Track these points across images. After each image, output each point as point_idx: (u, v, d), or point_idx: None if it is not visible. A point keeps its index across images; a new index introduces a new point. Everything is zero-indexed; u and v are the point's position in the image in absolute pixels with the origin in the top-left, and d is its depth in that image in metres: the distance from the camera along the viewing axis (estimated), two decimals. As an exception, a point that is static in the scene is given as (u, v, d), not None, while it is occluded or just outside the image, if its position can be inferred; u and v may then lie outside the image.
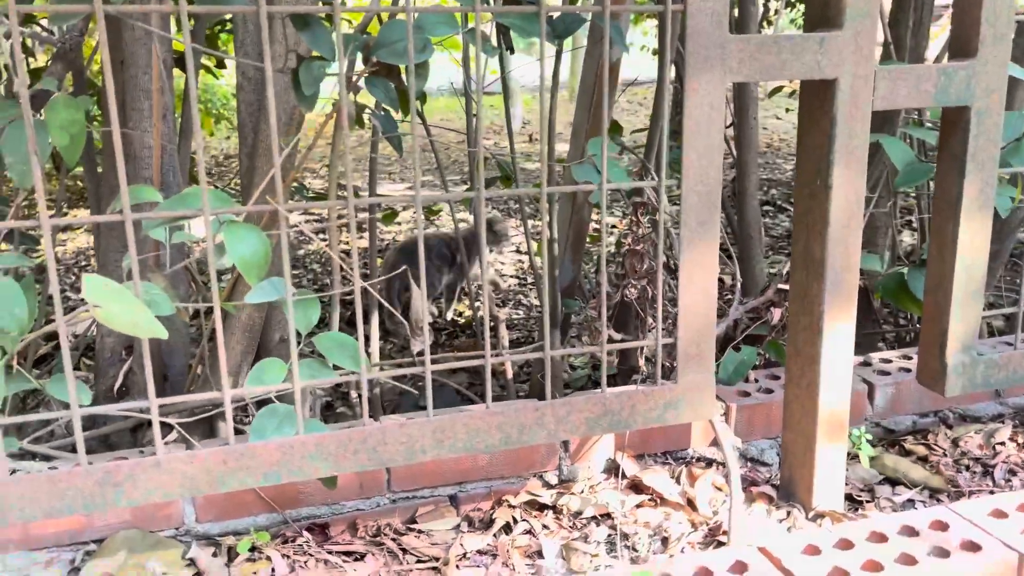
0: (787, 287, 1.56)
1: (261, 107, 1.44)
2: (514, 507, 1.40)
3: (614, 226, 4.32)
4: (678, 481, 1.44)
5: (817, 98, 1.19)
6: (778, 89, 3.32)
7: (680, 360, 1.19)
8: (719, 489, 1.42)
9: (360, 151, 5.85)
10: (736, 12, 2.06)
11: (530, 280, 3.38)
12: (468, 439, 1.14)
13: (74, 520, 1.26)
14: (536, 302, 3.13)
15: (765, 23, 4.07)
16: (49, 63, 1.25)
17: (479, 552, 1.30)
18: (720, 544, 1.28)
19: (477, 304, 2.67)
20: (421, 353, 1.19)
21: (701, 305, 1.18)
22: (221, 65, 2.79)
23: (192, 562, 1.25)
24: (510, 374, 2.03)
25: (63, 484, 1.01)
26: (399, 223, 4.23)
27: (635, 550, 1.30)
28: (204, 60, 2.55)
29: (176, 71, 1.93)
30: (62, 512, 1.01)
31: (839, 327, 1.25)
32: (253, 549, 1.28)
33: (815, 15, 1.18)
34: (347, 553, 1.30)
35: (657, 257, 1.16)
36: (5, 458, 0.99)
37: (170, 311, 1.06)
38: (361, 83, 1.28)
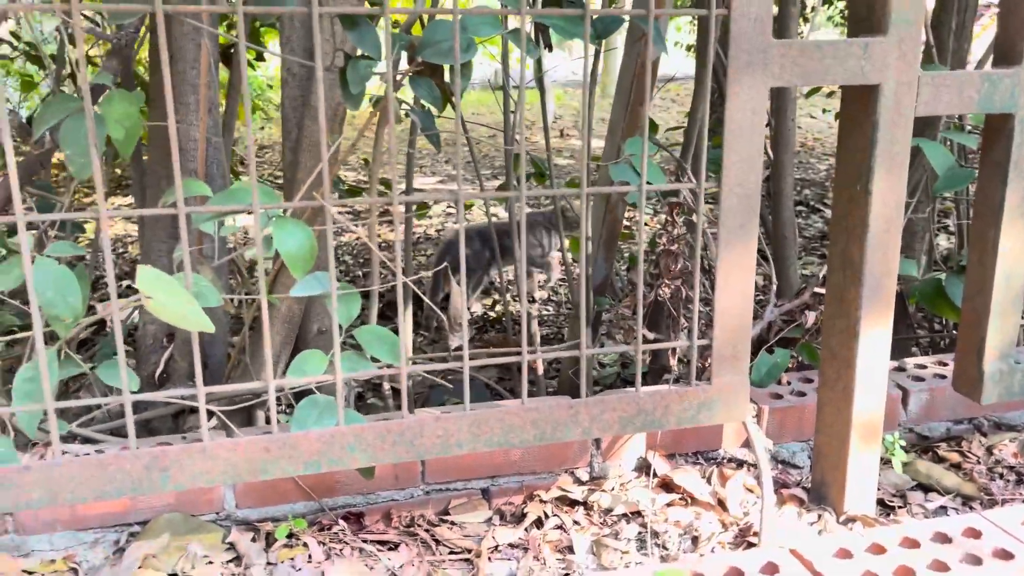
0: (823, 290, 1.56)
1: (305, 102, 1.47)
2: (545, 502, 1.42)
3: (645, 224, 4.31)
4: (709, 481, 1.45)
5: (859, 103, 1.19)
6: (816, 89, 3.29)
7: (715, 361, 1.20)
8: (750, 490, 1.43)
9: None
10: (775, 10, 2.05)
11: (562, 278, 3.39)
12: (503, 434, 1.16)
13: (119, 502, 1.30)
14: (565, 298, 3.14)
15: (801, 20, 4.03)
16: (104, 58, 1.28)
17: (511, 545, 1.33)
18: (750, 545, 1.28)
19: (508, 298, 2.69)
20: (459, 348, 1.21)
21: (737, 307, 1.19)
22: (260, 58, 2.83)
23: (232, 546, 1.29)
24: (541, 370, 2.05)
25: (112, 467, 1.04)
26: (430, 217, 4.26)
27: (665, 548, 1.31)
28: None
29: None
30: (111, 494, 1.05)
31: (876, 332, 1.25)
32: (290, 535, 1.31)
33: (859, 20, 1.18)
34: (381, 542, 1.33)
35: (695, 259, 1.16)
36: (58, 441, 1.03)
37: (218, 303, 1.09)
38: (402, 81, 1.30)
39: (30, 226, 1.63)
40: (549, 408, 1.17)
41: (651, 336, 1.76)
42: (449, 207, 4.43)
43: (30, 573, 1.21)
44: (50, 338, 1.42)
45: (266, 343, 1.06)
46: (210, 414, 1.67)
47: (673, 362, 2.04)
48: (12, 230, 1.61)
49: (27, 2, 1.10)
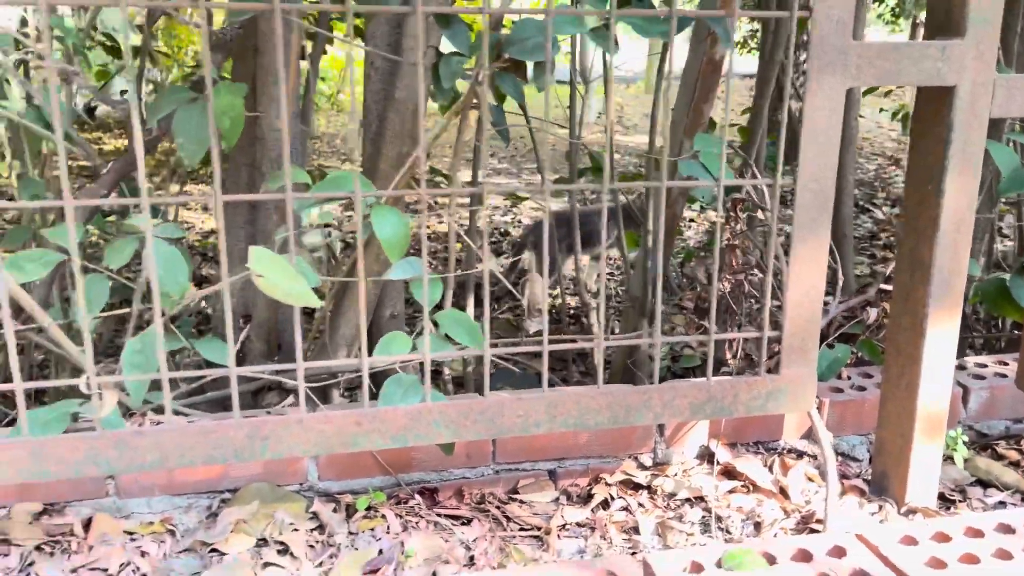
0: (887, 287, 1.59)
1: (388, 96, 1.53)
2: (610, 485, 1.47)
3: (692, 220, 4.33)
4: (771, 470, 1.49)
5: (934, 104, 1.22)
6: (873, 89, 3.28)
7: (784, 352, 1.24)
8: (811, 479, 1.46)
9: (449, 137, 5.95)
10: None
11: (609, 271, 3.43)
12: (579, 416, 1.21)
13: (212, 470, 1.38)
14: (615, 292, 3.18)
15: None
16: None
17: (578, 524, 1.38)
18: (812, 531, 1.32)
19: (563, 291, 2.74)
20: (537, 333, 1.26)
21: (808, 300, 1.22)
22: (323, 52, 2.91)
23: (315, 515, 1.36)
24: (599, 359, 2.09)
25: (217, 435, 1.12)
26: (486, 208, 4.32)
27: (728, 532, 1.36)
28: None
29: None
30: (215, 460, 1.12)
31: (943, 330, 1.28)
32: (369, 508, 1.38)
33: (936, 22, 1.21)
34: (454, 517, 1.39)
35: (769, 253, 1.20)
36: (170, 410, 1.10)
37: (317, 283, 1.16)
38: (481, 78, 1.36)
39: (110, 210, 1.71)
40: (623, 393, 1.22)
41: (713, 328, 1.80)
42: (502, 200, 4.49)
43: (131, 533, 1.30)
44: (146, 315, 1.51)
45: (362, 324, 1.12)
46: (286, 392, 1.75)
47: (728, 355, 2.08)
48: (109, 213, 1.71)
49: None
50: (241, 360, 1.87)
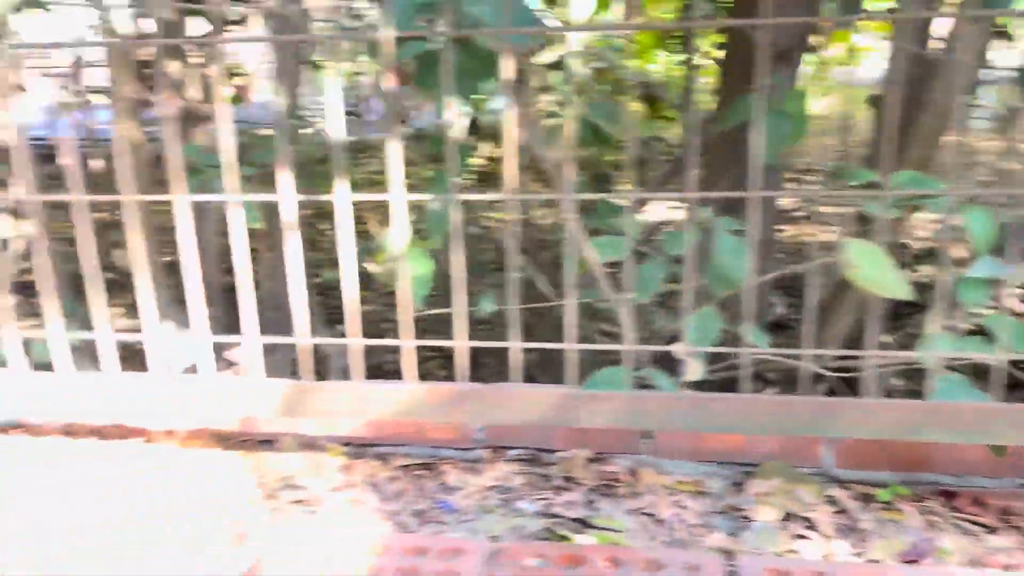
0: None
1: (915, 97, 1.55)
2: None
3: None
4: None
5: None
6: None
7: None
8: None
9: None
10: None
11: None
12: None
13: (732, 442, 1.50)
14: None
15: None
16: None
17: None
18: None
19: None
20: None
21: None
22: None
23: (830, 499, 1.42)
24: None
25: (785, 410, 1.23)
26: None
27: None
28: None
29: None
30: (780, 431, 1.24)
31: None
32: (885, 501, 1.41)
33: None
34: (977, 524, 1.36)
35: None
36: (749, 381, 1.24)
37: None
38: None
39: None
40: None
41: None
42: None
43: (667, 487, 1.47)
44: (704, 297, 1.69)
45: (933, 316, 1.16)
46: (820, 378, 1.84)
47: None
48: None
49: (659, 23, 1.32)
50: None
